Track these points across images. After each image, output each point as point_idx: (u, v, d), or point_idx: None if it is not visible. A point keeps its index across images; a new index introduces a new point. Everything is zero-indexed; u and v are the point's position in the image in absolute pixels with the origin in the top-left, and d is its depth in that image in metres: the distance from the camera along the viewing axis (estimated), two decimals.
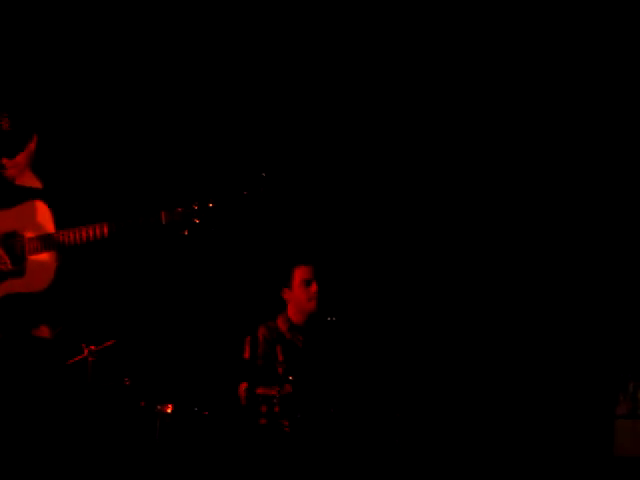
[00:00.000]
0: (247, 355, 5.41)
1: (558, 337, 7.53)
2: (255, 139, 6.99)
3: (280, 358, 5.43)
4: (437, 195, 7.47)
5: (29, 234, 4.06)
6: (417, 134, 7.38)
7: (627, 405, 7.61)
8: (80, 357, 5.22)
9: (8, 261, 4.03)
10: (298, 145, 7.18)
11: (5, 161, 4.12)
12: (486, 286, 7.45)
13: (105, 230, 4.05)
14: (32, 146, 4.20)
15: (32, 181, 4.26)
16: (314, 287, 5.82)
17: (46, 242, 4.04)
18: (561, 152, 7.29)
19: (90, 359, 5.23)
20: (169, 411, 5.05)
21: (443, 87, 7.25)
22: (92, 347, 5.25)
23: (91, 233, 4.04)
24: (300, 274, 5.89)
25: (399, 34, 7.09)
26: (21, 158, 4.16)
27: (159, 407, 5.09)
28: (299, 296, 5.87)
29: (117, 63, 6.76)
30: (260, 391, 5.23)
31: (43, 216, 4.12)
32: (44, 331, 4.10)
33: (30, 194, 4.18)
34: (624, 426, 7.56)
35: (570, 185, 7.33)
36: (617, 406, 7.59)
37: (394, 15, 7.04)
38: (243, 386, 5.44)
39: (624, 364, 7.53)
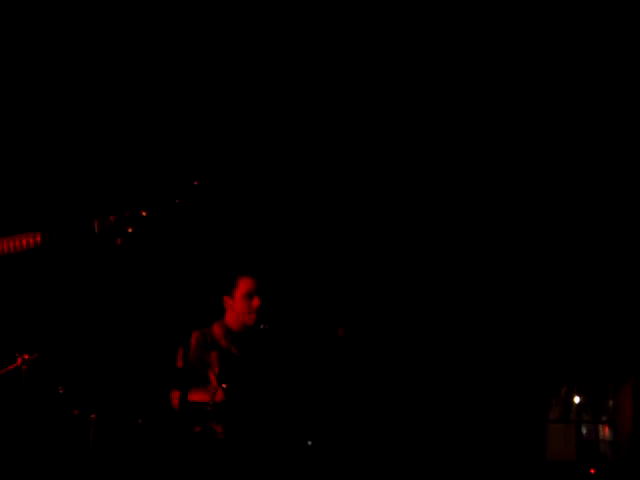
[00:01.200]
0: (180, 362, 5.39)
1: (491, 342, 7.64)
2: (189, 147, 6.99)
3: (214, 365, 5.43)
4: (375, 203, 7.53)
5: None
6: (361, 137, 7.42)
7: (559, 410, 7.75)
8: (13, 366, 5.17)
9: None
10: (235, 156, 7.20)
11: None
12: (418, 292, 7.53)
13: (37, 239, 4.04)
14: None
15: None
16: (256, 301, 5.81)
17: None
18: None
19: (24, 367, 5.19)
20: (99, 419, 5.03)
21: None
22: (25, 356, 5.21)
23: (24, 242, 4.03)
24: (244, 285, 5.86)
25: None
26: None
27: (92, 415, 5.07)
28: (240, 307, 5.85)
29: (45, 64, 6.68)
30: (193, 398, 5.21)
31: None
32: None
33: None
34: (556, 430, 7.69)
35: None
36: (549, 411, 7.73)
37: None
38: (176, 394, 5.41)
39: (556, 369, 7.66)
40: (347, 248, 7.43)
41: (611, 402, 7.59)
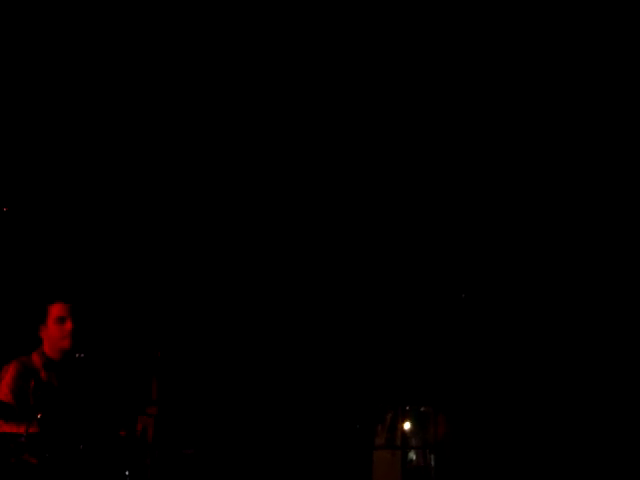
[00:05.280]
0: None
1: (316, 368, 7.72)
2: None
3: (30, 395, 5.32)
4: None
5: None
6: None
7: (385, 436, 7.89)
8: None
9: None
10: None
11: None
12: (235, 317, 7.56)
13: None
14: None
15: None
16: (69, 325, 5.74)
17: None
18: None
19: None
20: None
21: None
22: None
23: None
24: (55, 311, 5.79)
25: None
26: None
27: None
28: (53, 333, 5.77)
29: None
30: (6, 429, 5.10)
31: None
32: None
33: None
34: (382, 457, 7.83)
35: None
36: (375, 437, 7.86)
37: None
38: None
39: (381, 395, 7.79)
40: (161, 270, 7.40)
41: (432, 428, 7.79)
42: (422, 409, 7.89)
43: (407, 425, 7.88)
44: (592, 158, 7.55)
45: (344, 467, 7.63)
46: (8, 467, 5.00)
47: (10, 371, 5.59)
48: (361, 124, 7.41)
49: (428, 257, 7.75)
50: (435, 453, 7.77)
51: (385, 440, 7.89)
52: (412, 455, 7.85)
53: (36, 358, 5.78)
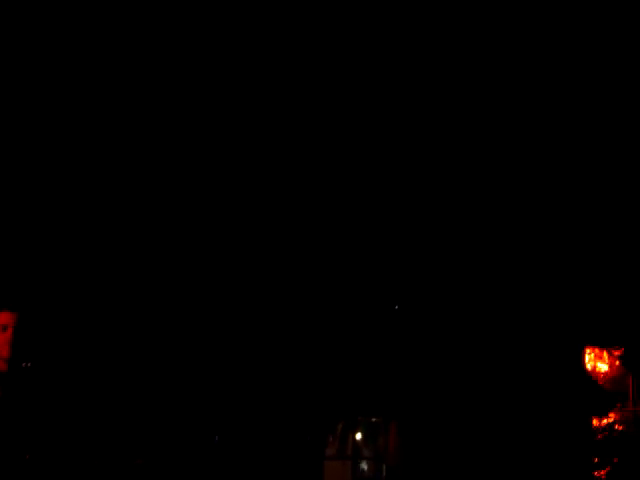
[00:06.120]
0: None
1: (267, 381, 7.68)
2: None
3: None
4: None
5: None
6: None
7: (336, 446, 7.87)
8: None
9: None
10: None
11: None
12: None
13: None
14: None
15: None
16: (9, 333, 5.68)
17: None
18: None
19: None
20: None
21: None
22: None
23: None
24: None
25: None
26: None
27: None
28: None
29: None
30: None
31: None
32: None
33: None
34: (333, 467, 7.80)
35: None
36: (326, 448, 7.84)
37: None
38: None
39: (332, 406, 7.77)
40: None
41: (382, 438, 7.80)
42: (373, 420, 7.89)
43: (359, 435, 7.87)
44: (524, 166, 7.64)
45: (295, 477, 7.59)
46: None
47: None
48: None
49: (371, 276, 7.77)
50: (386, 463, 7.76)
51: (336, 450, 7.87)
52: (363, 465, 7.84)
53: None
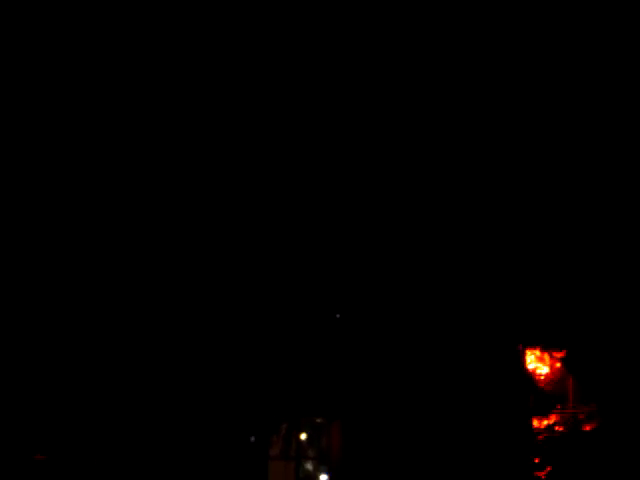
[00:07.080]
0: None
1: (206, 380, 7.62)
2: None
3: None
4: None
5: None
6: None
7: (279, 447, 7.86)
8: None
9: None
10: None
11: None
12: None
13: None
14: None
15: None
16: None
17: None
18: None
19: None
20: None
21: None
22: None
23: None
24: None
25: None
26: None
27: None
28: None
29: None
30: None
31: None
32: None
33: None
34: (277, 467, 7.79)
35: None
36: (270, 448, 7.82)
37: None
38: None
39: (276, 407, 7.76)
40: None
41: (325, 439, 7.82)
42: (318, 420, 7.89)
43: (303, 436, 7.87)
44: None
45: (239, 477, 7.56)
46: None
47: None
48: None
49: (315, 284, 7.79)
50: (330, 463, 7.78)
51: (280, 451, 7.85)
52: (308, 465, 7.84)
53: None
